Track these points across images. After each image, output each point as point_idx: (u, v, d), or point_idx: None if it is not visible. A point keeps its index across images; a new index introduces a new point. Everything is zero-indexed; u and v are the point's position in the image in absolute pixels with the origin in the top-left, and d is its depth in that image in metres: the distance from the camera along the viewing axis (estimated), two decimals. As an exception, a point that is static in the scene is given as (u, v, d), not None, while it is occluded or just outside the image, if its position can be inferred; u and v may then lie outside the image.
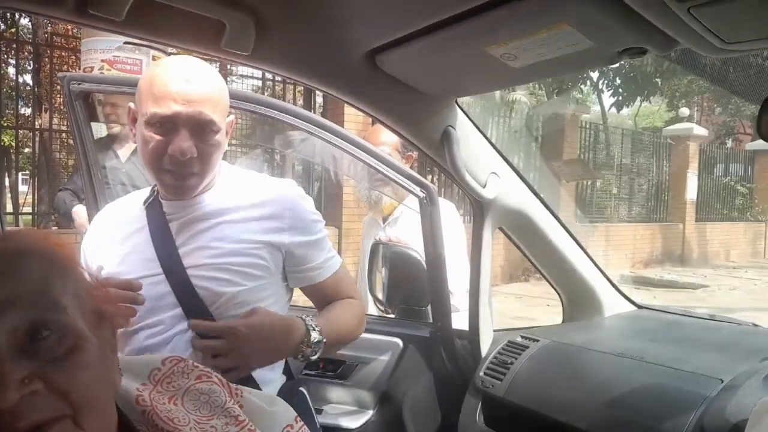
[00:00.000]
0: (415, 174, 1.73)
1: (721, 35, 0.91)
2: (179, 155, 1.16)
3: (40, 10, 1.01)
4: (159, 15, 0.99)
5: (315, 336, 1.25)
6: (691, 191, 12.75)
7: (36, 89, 7.68)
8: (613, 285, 1.86)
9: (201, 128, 1.17)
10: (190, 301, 1.23)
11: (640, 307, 1.90)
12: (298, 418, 0.86)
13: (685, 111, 14.17)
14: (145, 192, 1.37)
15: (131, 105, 1.25)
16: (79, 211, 3.27)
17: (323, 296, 1.41)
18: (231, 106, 1.63)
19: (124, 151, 3.41)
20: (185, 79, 1.16)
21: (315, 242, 1.35)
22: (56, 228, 7.15)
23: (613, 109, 14.95)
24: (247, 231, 1.27)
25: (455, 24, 1.00)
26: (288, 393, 1.34)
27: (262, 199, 1.30)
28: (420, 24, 1.03)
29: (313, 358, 1.27)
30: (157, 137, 1.17)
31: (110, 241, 1.32)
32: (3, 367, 0.55)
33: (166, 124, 1.16)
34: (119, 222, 1.35)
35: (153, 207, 1.31)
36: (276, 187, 1.34)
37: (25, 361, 0.56)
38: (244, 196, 1.30)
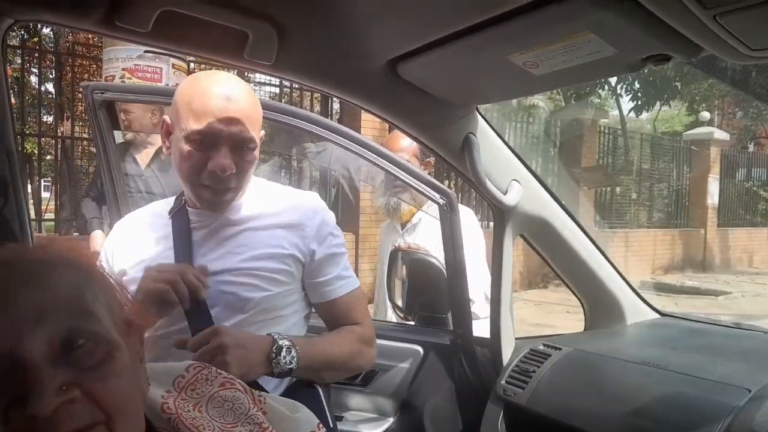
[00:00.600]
0: (435, 180, 1.73)
1: (746, 42, 0.90)
2: (219, 172, 1.18)
3: (68, 23, 1.03)
4: (184, 26, 1.00)
5: (284, 343, 1.21)
6: (713, 196, 12.58)
7: (58, 98, 7.80)
8: (636, 292, 1.85)
9: (240, 145, 1.20)
10: (215, 308, 1.24)
11: (662, 314, 1.88)
12: (321, 425, 0.87)
13: (705, 115, 14.00)
14: (168, 202, 1.39)
15: (166, 118, 1.27)
16: (97, 237, 3.32)
17: (334, 316, 1.38)
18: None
19: (142, 158, 3.44)
20: (226, 96, 1.17)
21: (332, 256, 1.35)
22: (77, 234, 7.25)
23: (632, 114, 14.81)
24: (272, 237, 1.29)
25: (477, 32, 1.00)
26: (299, 391, 1.32)
27: (286, 208, 1.33)
28: (441, 33, 1.03)
29: (289, 367, 1.21)
30: (197, 153, 1.19)
31: (133, 247, 1.34)
32: (41, 374, 0.56)
33: (207, 141, 1.18)
34: (142, 229, 1.37)
35: (179, 216, 1.33)
36: (300, 198, 1.37)
37: (61, 369, 0.57)
38: (269, 205, 1.33)
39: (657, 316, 1.87)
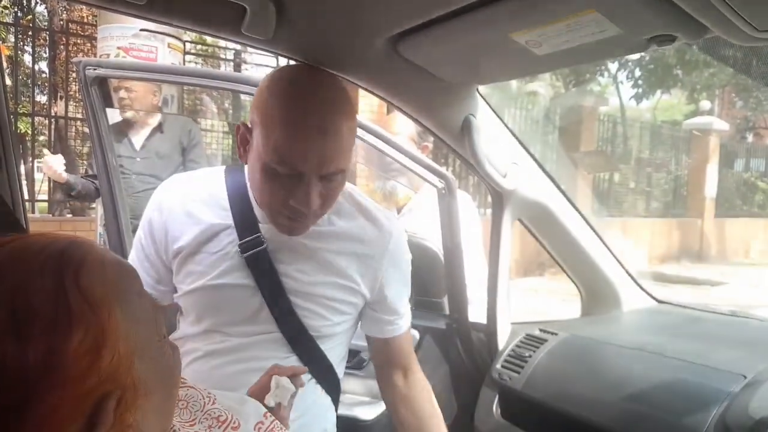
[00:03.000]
0: (434, 164, 1.71)
1: (753, 22, 0.88)
2: (304, 208, 1.06)
3: (60, -7, 1.00)
4: (180, -2, 0.97)
5: None
6: (711, 186, 12.60)
7: (52, 77, 7.74)
8: (633, 279, 1.84)
9: (331, 176, 1.07)
10: (289, 323, 1.19)
11: (660, 301, 1.88)
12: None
13: (705, 104, 13.96)
14: (222, 183, 1.24)
15: (246, 124, 1.10)
16: (49, 161, 3.26)
17: (386, 354, 1.35)
18: (245, 92, 1.61)
19: (138, 138, 3.41)
20: (323, 129, 1.02)
21: (398, 294, 1.30)
22: (71, 215, 7.22)
23: (632, 102, 14.79)
24: (347, 266, 1.21)
25: (480, 9, 0.98)
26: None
27: (364, 233, 1.23)
28: (444, 9, 1.00)
29: None
30: (281, 178, 1.05)
31: (190, 224, 1.20)
32: None
33: (293, 173, 1.04)
34: (202, 204, 1.21)
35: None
36: (378, 223, 1.26)
37: None
38: (349, 225, 1.23)
39: (654, 303, 1.86)
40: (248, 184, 1.19)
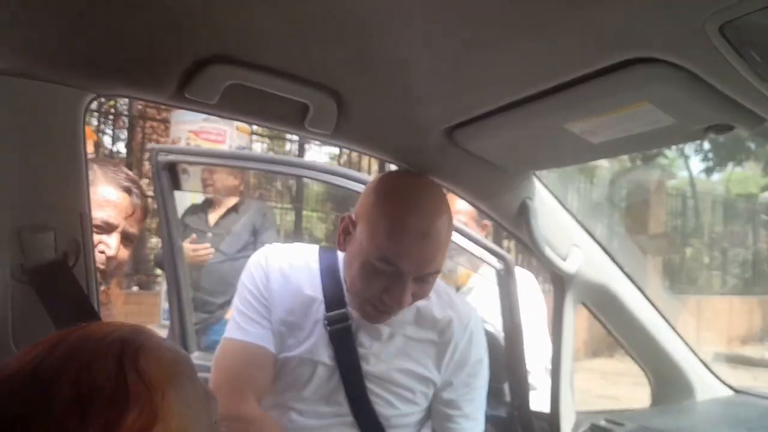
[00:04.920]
0: (492, 245, 1.71)
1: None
2: (396, 306, 1.10)
3: (142, 96, 1.10)
4: (248, 97, 1.04)
5: None
6: (794, 262, 11.91)
7: (129, 157, 8.26)
8: (707, 366, 1.75)
9: (425, 278, 1.12)
10: (362, 408, 1.19)
11: (737, 391, 1.76)
12: None
13: (782, 176, 13.41)
14: (315, 261, 1.29)
15: (351, 216, 1.17)
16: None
17: None
18: (306, 177, 1.69)
19: (213, 215, 3.57)
20: (425, 233, 1.07)
21: (467, 390, 1.27)
22: (137, 288, 7.51)
23: (702, 175, 14.36)
24: (422, 353, 1.22)
25: (532, 102, 1.01)
26: None
27: (441, 322, 1.25)
28: (498, 103, 1.04)
29: None
30: (378, 275, 1.09)
31: (287, 290, 1.26)
32: None
33: (392, 271, 1.09)
34: (299, 273, 1.27)
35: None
36: (456, 312, 1.27)
37: None
38: (429, 312, 1.25)
39: (731, 392, 1.75)
40: (340, 267, 1.24)
